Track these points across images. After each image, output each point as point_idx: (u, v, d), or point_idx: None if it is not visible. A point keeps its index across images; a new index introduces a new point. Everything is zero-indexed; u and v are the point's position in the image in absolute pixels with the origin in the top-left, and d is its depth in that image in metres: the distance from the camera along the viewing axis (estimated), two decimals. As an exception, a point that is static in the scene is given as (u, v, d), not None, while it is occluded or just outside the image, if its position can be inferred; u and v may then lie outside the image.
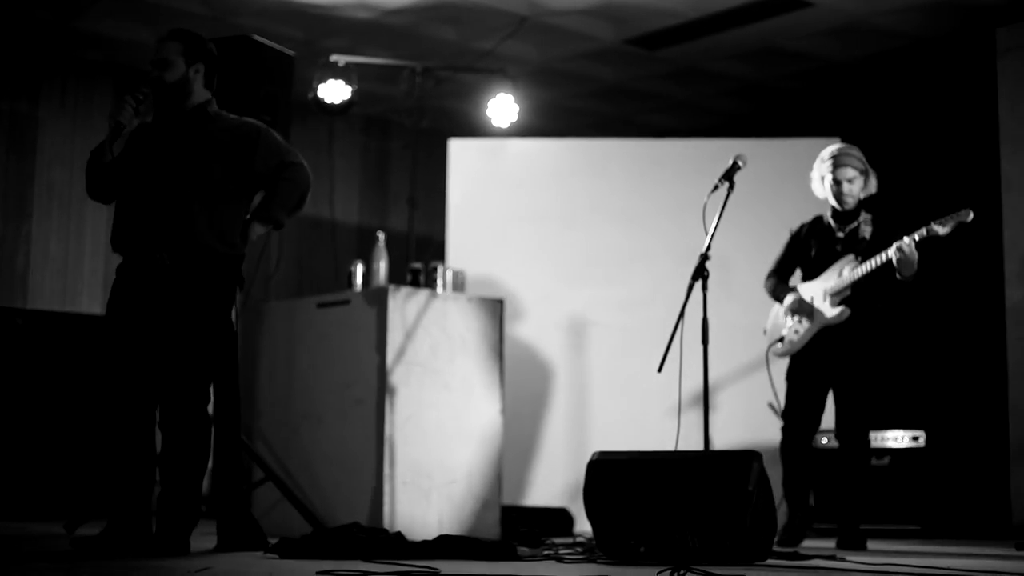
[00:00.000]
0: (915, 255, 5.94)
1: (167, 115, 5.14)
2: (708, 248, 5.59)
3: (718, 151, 6.85)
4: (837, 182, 6.36)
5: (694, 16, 8.37)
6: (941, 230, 5.88)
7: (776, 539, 5.32)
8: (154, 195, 5.03)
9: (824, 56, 9.15)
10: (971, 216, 5.83)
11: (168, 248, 4.99)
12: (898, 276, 6.03)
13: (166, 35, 5.13)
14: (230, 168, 5.09)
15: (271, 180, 5.20)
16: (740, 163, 5.76)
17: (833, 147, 6.48)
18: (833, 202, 6.42)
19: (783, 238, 6.70)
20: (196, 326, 5.02)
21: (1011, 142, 8.27)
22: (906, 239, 5.93)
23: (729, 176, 5.77)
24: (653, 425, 7.58)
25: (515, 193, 8.90)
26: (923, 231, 5.92)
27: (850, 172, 6.34)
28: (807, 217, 6.65)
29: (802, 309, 6.41)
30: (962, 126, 9.48)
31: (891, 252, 5.96)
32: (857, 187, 6.37)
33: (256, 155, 5.13)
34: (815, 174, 6.50)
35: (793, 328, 6.47)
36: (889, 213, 6.43)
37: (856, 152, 6.41)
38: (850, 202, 6.38)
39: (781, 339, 6.53)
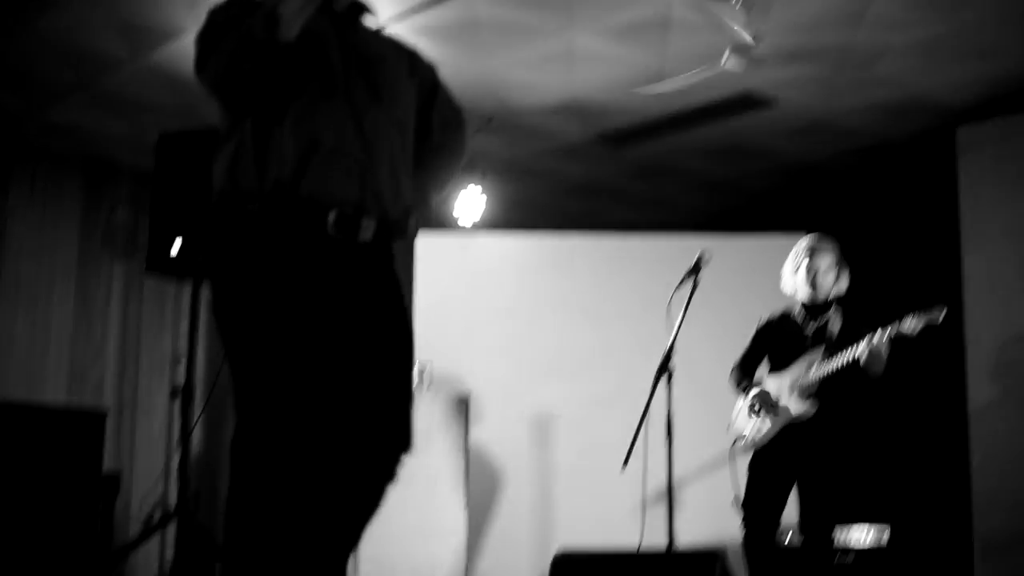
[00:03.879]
0: (884, 353, 5.95)
1: (328, 17, 3.43)
2: (673, 345, 5.61)
3: (684, 247, 6.89)
4: (813, 272, 6.35)
5: (660, 114, 8.47)
6: (911, 330, 5.87)
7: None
8: (352, 128, 3.31)
9: (789, 154, 9.27)
10: (943, 316, 5.82)
11: (378, 210, 3.34)
12: (866, 372, 6.04)
13: None
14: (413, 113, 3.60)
15: (437, 144, 3.72)
16: (705, 259, 5.80)
17: (810, 238, 6.49)
18: (805, 295, 6.41)
19: (749, 334, 6.71)
20: (405, 345, 3.49)
21: (972, 239, 8.36)
22: (876, 337, 5.94)
23: (694, 272, 5.80)
24: (618, 522, 7.55)
25: (482, 288, 8.93)
26: (893, 329, 5.91)
27: (826, 263, 6.35)
28: (773, 312, 6.65)
29: (767, 404, 6.39)
30: (925, 223, 9.58)
31: (860, 350, 5.96)
32: (831, 279, 6.37)
33: (436, 100, 3.72)
34: (789, 265, 6.49)
35: (757, 425, 6.46)
36: (855, 309, 6.45)
37: (833, 245, 6.44)
38: (823, 294, 6.37)
39: (745, 435, 6.52)
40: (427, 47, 7.30)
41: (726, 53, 6.94)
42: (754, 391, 6.45)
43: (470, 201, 8.84)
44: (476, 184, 8.86)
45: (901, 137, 8.92)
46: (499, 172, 9.54)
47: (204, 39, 3.24)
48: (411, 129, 3.53)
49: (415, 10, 6.90)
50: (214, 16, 3.29)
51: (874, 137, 8.90)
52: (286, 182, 3.16)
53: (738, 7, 6.67)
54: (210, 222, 3.31)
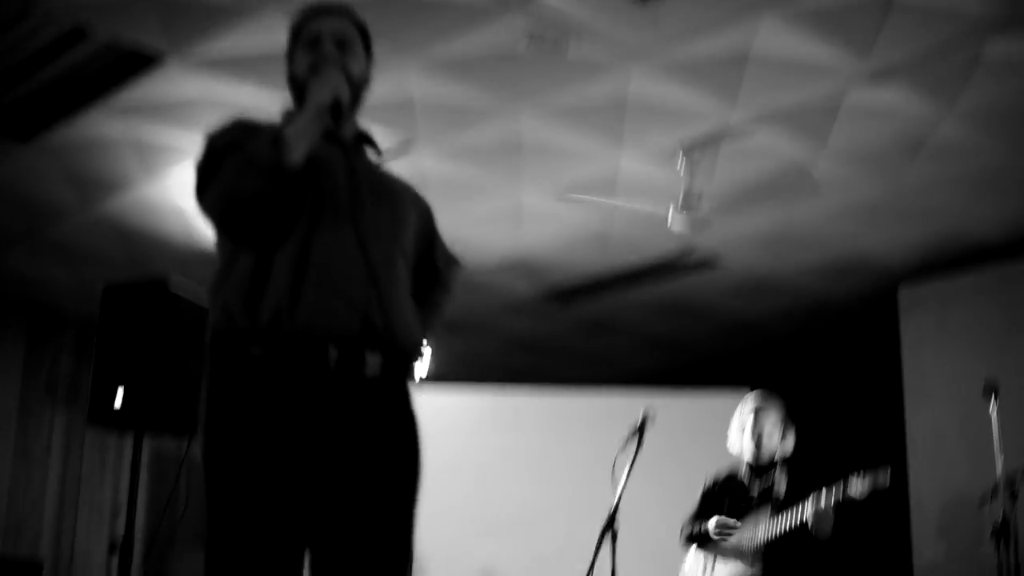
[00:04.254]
0: (831, 514, 5.91)
1: (333, 144, 3.18)
2: (618, 505, 5.57)
3: (630, 403, 6.87)
4: (758, 432, 6.31)
5: (606, 273, 8.54)
6: (858, 493, 5.83)
7: None
8: (357, 257, 3.02)
9: (734, 312, 9.34)
10: (888, 479, 5.80)
11: (383, 344, 3.00)
12: (813, 533, 5.99)
13: (335, 7, 3.28)
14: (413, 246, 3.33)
15: (432, 281, 3.47)
16: (649, 418, 5.79)
17: (755, 396, 6.47)
18: (750, 455, 6.36)
19: (695, 492, 6.65)
20: (415, 480, 3.17)
21: (915, 399, 8.41)
22: (822, 498, 5.90)
23: (639, 432, 5.79)
24: None
25: (426, 443, 8.86)
26: (839, 491, 5.87)
27: (771, 423, 6.31)
28: (719, 471, 6.61)
29: (726, 528, 6.28)
30: (869, 382, 9.63)
31: (807, 512, 5.91)
32: (776, 439, 6.32)
33: (436, 238, 3.47)
34: (735, 423, 6.46)
35: (705, 580, 6.39)
36: (801, 468, 6.43)
37: (778, 404, 6.43)
38: (768, 454, 6.32)
39: (694, 592, 6.44)
40: (376, 202, 7.33)
41: (672, 213, 7.01)
42: (711, 522, 6.31)
43: (416, 355, 8.84)
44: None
45: (844, 296, 9.02)
46: (446, 327, 9.53)
47: (204, 163, 3.01)
48: (411, 263, 3.28)
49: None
50: (214, 140, 3.06)
51: (818, 296, 9.00)
52: (283, 315, 2.88)
53: (684, 168, 6.78)
54: (205, 362, 3.00)
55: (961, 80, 6.19)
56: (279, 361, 2.90)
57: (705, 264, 8.35)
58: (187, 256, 8.27)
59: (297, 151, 2.86)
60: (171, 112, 6.42)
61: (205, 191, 2.97)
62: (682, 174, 6.75)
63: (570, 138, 6.69)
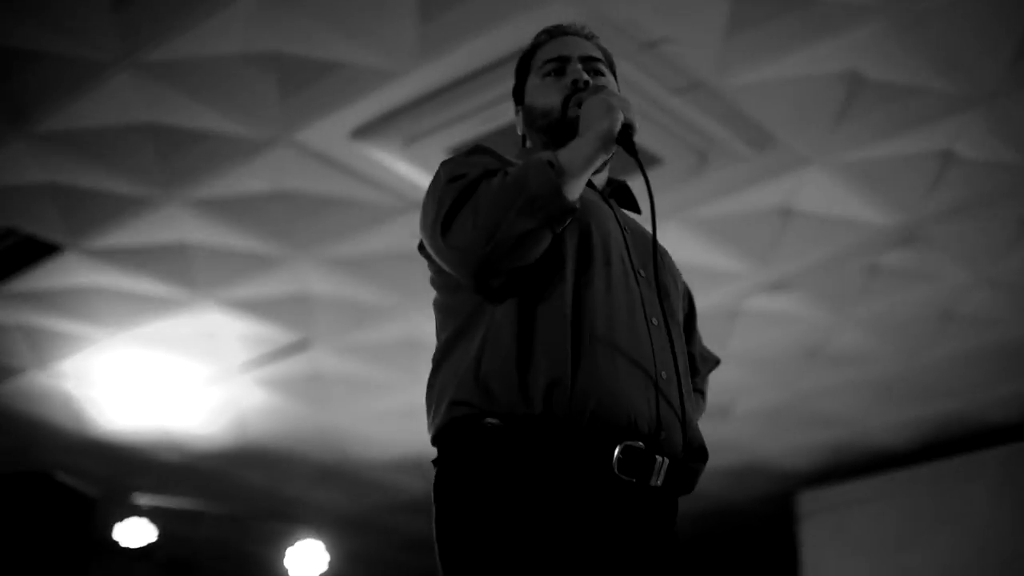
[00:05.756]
0: None
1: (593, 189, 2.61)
2: None
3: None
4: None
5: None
6: None
7: None
8: (643, 329, 2.40)
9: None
10: None
11: (672, 445, 2.35)
12: None
13: (579, 28, 2.73)
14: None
15: (700, 377, 2.90)
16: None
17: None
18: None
19: None
20: None
21: (814, 606, 8.36)
22: None
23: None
24: None
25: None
26: None
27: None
28: None
29: None
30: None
31: None
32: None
33: (695, 327, 2.86)
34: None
35: None
36: None
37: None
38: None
39: None
40: (269, 398, 7.26)
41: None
42: None
43: (309, 556, 8.61)
44: (314, 538, 8.65)
45: (743, 501, 9.00)
46: (339, 526, 9.37)
47: (453, 193, 2.29)
48: None
49: (260, 362, 6.87)
50: (460, 165, 2.39)
51: (716, 500, 8.96)
52: (561, 396, 2.21)
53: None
54: (437, 463, 2.33)
55: (858, 289, 6.28)
56: (552, 460, 2.20)
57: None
58: (75, 446, 8.08)
59: (578, 185, 2.28)
60: (65, 301, 6.32)
61: (451, 226, 2.25)
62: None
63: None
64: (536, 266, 2.27)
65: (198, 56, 4.57)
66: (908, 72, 4.72)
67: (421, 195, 5.45)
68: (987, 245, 5.89)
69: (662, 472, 2.29)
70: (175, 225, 5.62)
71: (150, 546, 8.20)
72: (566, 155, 2.27)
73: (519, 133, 2.70)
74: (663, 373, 2.35)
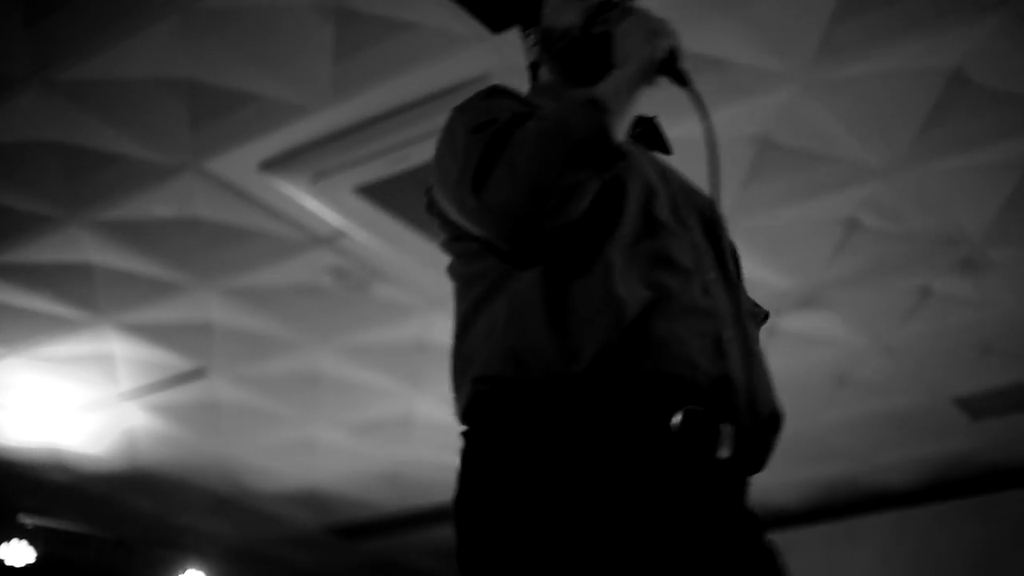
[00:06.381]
0: None
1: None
2: None
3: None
4: None
5: (395, 512, 8.41)
6: None
7: None
8: (698, 296, 2.08)
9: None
10: None
11: (739, 412, 2.03)
12: None
13: None
14: None
15: None
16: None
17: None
18: None
19: None
20: None
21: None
22: None
23: None
24: None
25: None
26: None
27: None
28: None
29: None
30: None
31: None
32: None
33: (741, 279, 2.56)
34: None
35: None
36: None
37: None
38: None
39: None
40: (163, 424, 7.18)
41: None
42: None
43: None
44: (201, 568, 8.54)
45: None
46: (227, 557, 9.27)
47: (481, 144, 1.96)
48: None
49: (156, 388, 6.79)
50: (479, 113, 2.07)
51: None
52: (614, 357, 1.89)
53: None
54: (466, 438, 2.05)
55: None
56: (599, 426, 1.89)
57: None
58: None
59: (624, 124, 1.97)
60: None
61: (486, 183, 1.93)
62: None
63: (368, 376, 6.64)
64: (580, 228, 1.96)
65: (111, 78, 4.53)
66: (818, 139, 4.79)
67: (327, 230, 5.46)
68: (886, 312, 5.97)
69: (730, 441, 1.96)
70: (79, 246, 5.55)
71: (30, 567, 8.05)
72: (605, 90, 1.97)
73: (530, 61, 2.39)
74: (725, 332, 2.04)
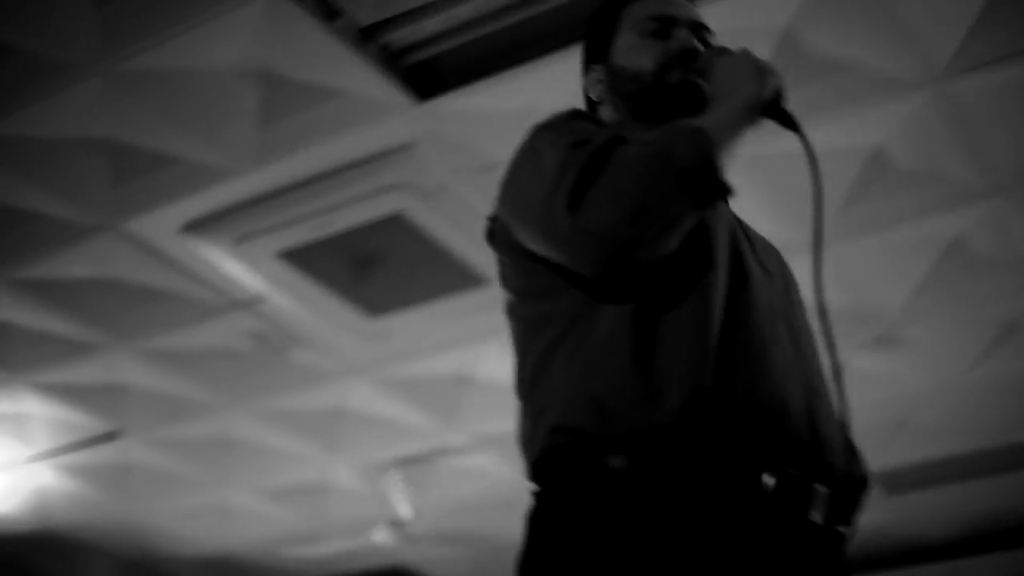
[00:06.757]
0: None
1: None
2: None
3: None
4: None
5: (311, 578, 8.36)
6: None
7: None
8: (784, 336, 2.00)
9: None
10: None
11: (832, 472, 1.92)
12: None
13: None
14: None
15: None
16: None
17: None
18: None
19: None
20: None
21: None
22: None
23: None
24: None
25: None
26: None
27: None
28: None
29: None
30: None
31: None
32: None
33: None
34: None
35: None
36: None
37: None
38: None
39: None
40: (75, 486, 7.08)
41: (380, 526, 6.97)
42: None
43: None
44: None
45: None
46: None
47: (575, 164, 1.83)
48: None
49: (69, 449, 6.70)
50: (567, 132, 1.95)
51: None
52: (703, 410, 1.78)
53: (395, 483, 6.75)
54: (537, 497, 1.89)
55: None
56: (687, 487, 1.77)
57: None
58: None
59: (726, 160, 1.85)
60: None
61: (582, 203, 1.79)
62: (393, 489, 6.72)
63: (285, 441, 6.59)
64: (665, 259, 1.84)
65: (32, 135, 4.49)
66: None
67: (247, 294, 5.38)
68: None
69: (823, 504, 1.85)
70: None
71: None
72: (711, 123, 1.86)
73: (591, 97, 2.25)
74: (814, 385, 1.95)
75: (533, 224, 1.88)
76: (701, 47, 2.13)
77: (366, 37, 4.10)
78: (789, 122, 1.96)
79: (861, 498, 1.96)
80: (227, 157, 4.55)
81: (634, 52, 2.15)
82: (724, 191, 1.81)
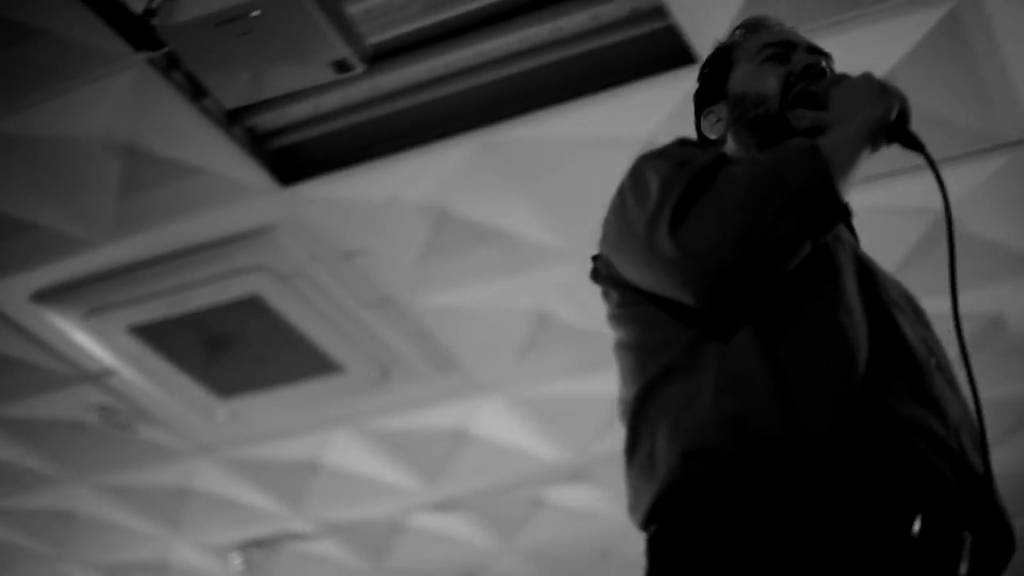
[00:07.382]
0: None
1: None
2: None
3: None
4: None
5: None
6: None
7: None
8: (931, 370, 1.85)
9: None
10: None
11: (980, 518, 1.75)
12: None
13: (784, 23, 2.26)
14: None
15: None
16: None
17: None
18: None
19: None
20: None
21: None
22: None
23: None
24: None
25: None
26: None
27: None
28: None
29: None
30: None
31: None
32: None
33: None
34: None
35: None
36: None
37: None
38: None
39: None
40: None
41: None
42: None
43: None
44: None
45: None
46: None
47: (679, 183, 1.76)
48: None
49: None
50: (672, 156, 1.86)
51: None
52: (850, 433, 1.66)
53: (239, 565, 6.68)
54: (660, 535, 1.74)
55: (523, 518, 6.41)
56: (833, 522, 1.64)
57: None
58: None
59: (845, 183, 1.75)
60: None
61: (683, 223, 1.70)
62: (235, 572, 6.64)
63: (126, 517, 6.46)
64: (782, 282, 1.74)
65: None
66: (590, 317, 4.90)
67: (95, 367, 5.24)
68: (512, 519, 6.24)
69: (967, 555, 1.69)
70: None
71: None
72: (828, 143, 1.77)
73: (707, 135, 2.13)
74: (959, 424, 1.77)
75: (637, 252, 1.78)
76: (823, 65, 2.05)
77: (233, 118, 4.10)
78: (915, 144, 1.86)
79: (1007, 556, 1.79)
80: (84, 227, 4.48)
81: (755, 76, 2.06)
82: (841, 214, 1.73)
